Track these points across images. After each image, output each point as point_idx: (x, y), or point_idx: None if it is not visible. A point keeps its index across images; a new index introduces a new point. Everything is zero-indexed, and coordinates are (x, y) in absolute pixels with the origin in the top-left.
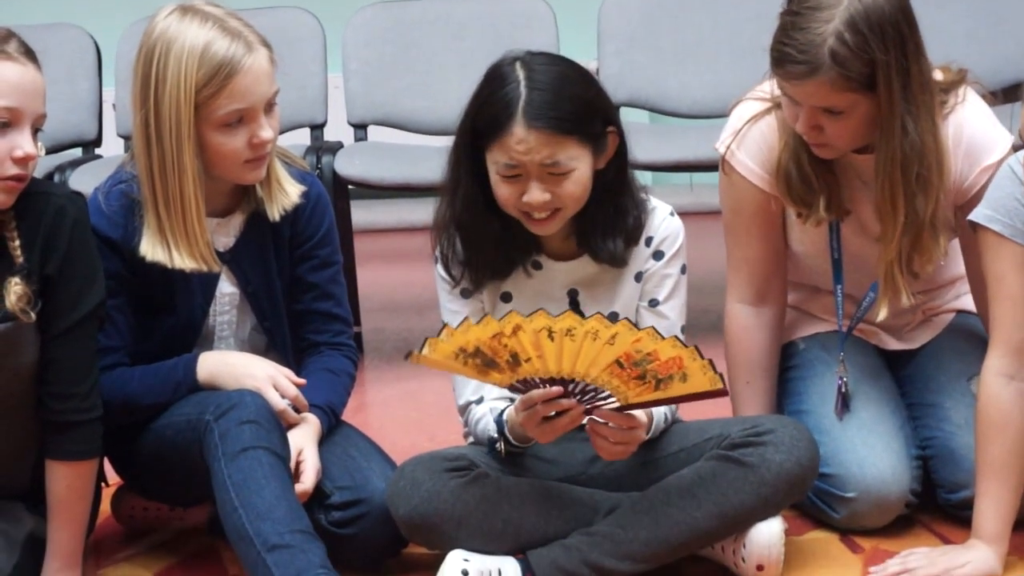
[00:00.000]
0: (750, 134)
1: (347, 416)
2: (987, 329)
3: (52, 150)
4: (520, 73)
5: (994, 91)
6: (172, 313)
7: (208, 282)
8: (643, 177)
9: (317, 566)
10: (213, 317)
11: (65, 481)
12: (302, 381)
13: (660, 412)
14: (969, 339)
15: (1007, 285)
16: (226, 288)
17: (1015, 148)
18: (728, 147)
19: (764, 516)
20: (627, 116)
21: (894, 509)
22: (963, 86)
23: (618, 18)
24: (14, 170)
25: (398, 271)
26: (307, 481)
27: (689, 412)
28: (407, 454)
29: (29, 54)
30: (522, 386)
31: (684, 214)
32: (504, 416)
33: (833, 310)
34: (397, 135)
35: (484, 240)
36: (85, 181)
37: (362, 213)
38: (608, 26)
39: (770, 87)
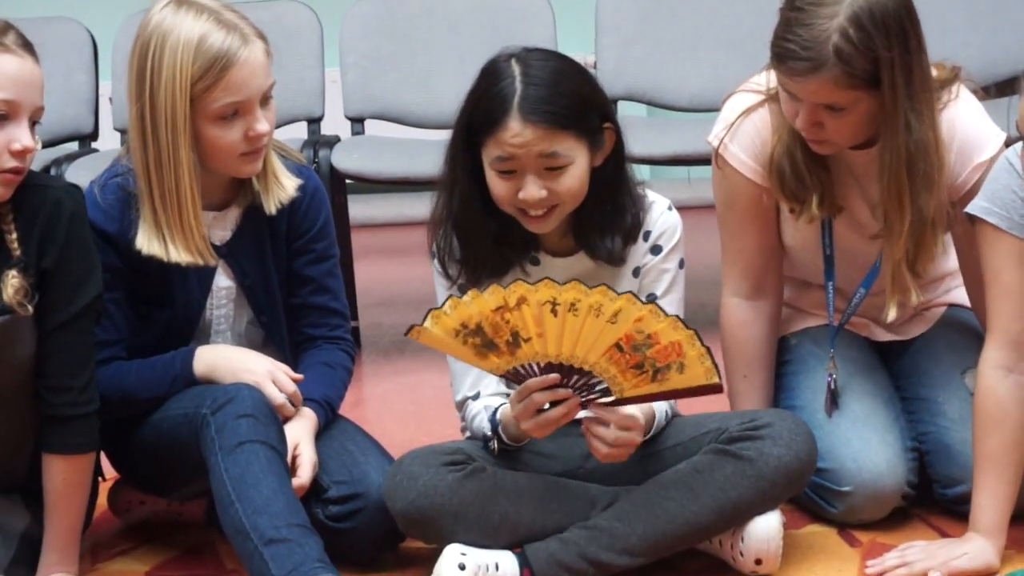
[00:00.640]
0: (743, 127)
1: (345, 411)
2: (981, 322)
3: (48, 144)
4: (516, 69)
5: (986, 86)
6: (169, 307)
7: (205, 276)
8: (641, 171)
9: (314, 560)
10: (210, 311)
11: (62, 475)
12: (299, 376)
13: (661, 409)
14: (962, 332)
15: (1004, 278)
16: (223, 282)
17: (1009, 143)
18: (721, 140)
19: (762, 510)
20: (625, 110)
21: (890, 502)
22: (956, 83)
23: (616, 12)
24: (12, 163)
25: (395, 266)
26: (304, 475)
27: (687, 406)
28: (404, 448)
29: (27, 47)
30: (518, 374)
31: (682, 208)
32: (498, 415)
33: (823, 304)
34: (394, 129)
35: (481, 238)
36: (81, 175)
37: (359, 207)
38: (606, 19)
39: (765, 79)
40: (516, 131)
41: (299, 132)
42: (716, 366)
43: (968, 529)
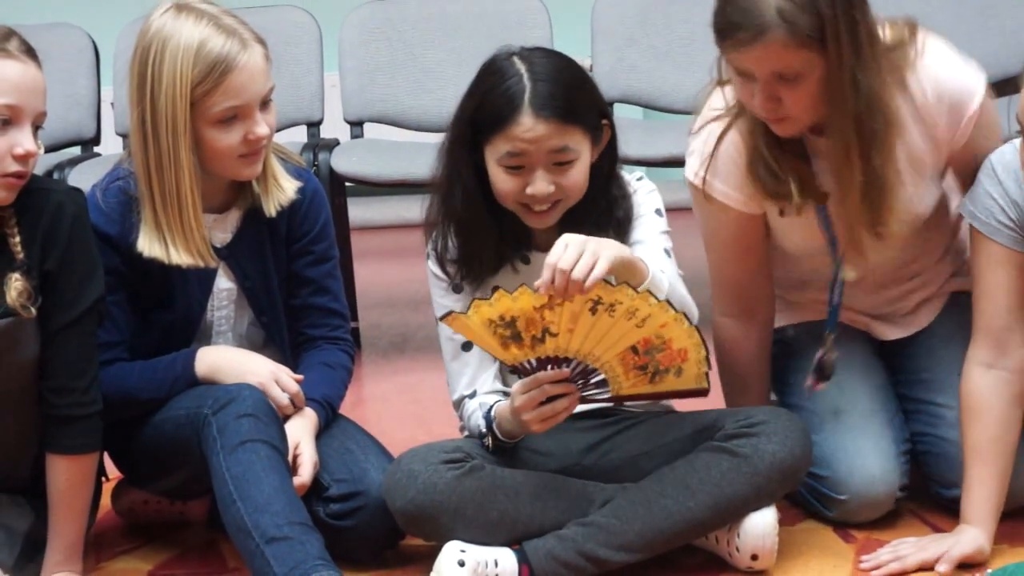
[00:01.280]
0: (720, 158)
1: (345, 411)
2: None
3: (51, 149)
4: (521, 66)
5: None
6: (170, 308)
7: (206, 277)
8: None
9: (315, 558)
10: (211, 312)
11: (66, 475)
12: (300, 377)
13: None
14: (964, 327)
15: (985, 279)
16: (224, 283)
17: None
18: (703, 178)
19: (758, 506)
20: (621, 112)
21: (884, 506)
22: (917, 37)
23: (612, 15)
24: (15, 167)
25: (395, 267)
26: (305, 474)
27: (683, 403)
28: (405, 447)
29: (30, 52)
30: (525, 368)
31: (677, 210)
32: (492, 412)
33: (820, 302)
34: (393, 132)
35: (485, 236)
36: (84, 179)
37: (359, 210)
38: (602, 23)
39: (721, 99)
40: (528, 126)
41: (299, 136)
42: (707, 375)
43: (959, 523)
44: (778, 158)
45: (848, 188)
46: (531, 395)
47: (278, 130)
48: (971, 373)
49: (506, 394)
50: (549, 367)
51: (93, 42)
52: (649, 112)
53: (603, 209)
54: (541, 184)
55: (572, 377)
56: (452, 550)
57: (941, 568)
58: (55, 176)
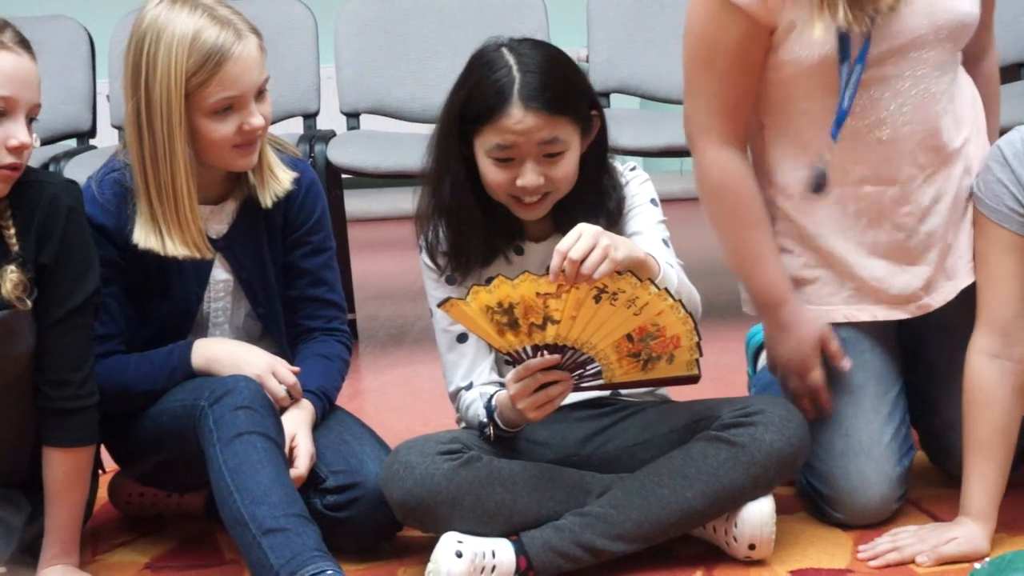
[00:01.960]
0: None
1: (343, 403)
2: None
3: (47, 141)
4: (510, 58)
5: None
6: (167, 300)
7: (202, 269)
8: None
9: (312, 549)
10: (207, 304)
11: (62, 468)
12: (297, 369)
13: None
14: (970, 322)
15: (990, 266)
16: (220, 275)
17: (1002, 131)
18: None
19: (755, 496)
20: (617, 103)
21: (884, 518)
22: None
23: (608, 5)
24: (9, 159)
25: (391, 259)
26: (301, 466)
27: (680, 393)
28: (402, 438)
29: (24, 44)
30: (519, 356)
31: (675, 200)
32: (493, 401)
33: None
34: (389, 124)
35: (472, 227)
36: (79, 172)
37: (355, 202)
38: (597, 13)
39: None
40: (518, 118)
41: (295, 127)
42: (697, 362)
43: (959, 513)
44: None
45: None
46: (525, 383)
47: (274, 122)
48: (975, 363)
49: (503, 385)
50: (541, 354)
51: (89, 34)
52: (645, 102)
53: (594, 200)
54: (531, 176)
55: (566, 364)
56: (449, 541)
57: (921, 559)
58: (51, 169)
